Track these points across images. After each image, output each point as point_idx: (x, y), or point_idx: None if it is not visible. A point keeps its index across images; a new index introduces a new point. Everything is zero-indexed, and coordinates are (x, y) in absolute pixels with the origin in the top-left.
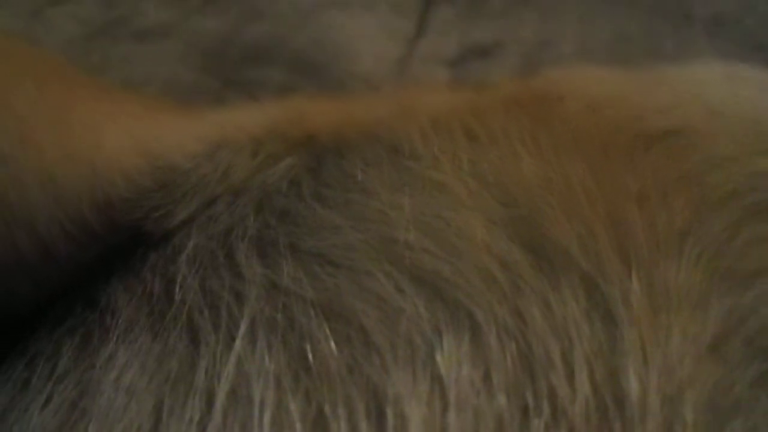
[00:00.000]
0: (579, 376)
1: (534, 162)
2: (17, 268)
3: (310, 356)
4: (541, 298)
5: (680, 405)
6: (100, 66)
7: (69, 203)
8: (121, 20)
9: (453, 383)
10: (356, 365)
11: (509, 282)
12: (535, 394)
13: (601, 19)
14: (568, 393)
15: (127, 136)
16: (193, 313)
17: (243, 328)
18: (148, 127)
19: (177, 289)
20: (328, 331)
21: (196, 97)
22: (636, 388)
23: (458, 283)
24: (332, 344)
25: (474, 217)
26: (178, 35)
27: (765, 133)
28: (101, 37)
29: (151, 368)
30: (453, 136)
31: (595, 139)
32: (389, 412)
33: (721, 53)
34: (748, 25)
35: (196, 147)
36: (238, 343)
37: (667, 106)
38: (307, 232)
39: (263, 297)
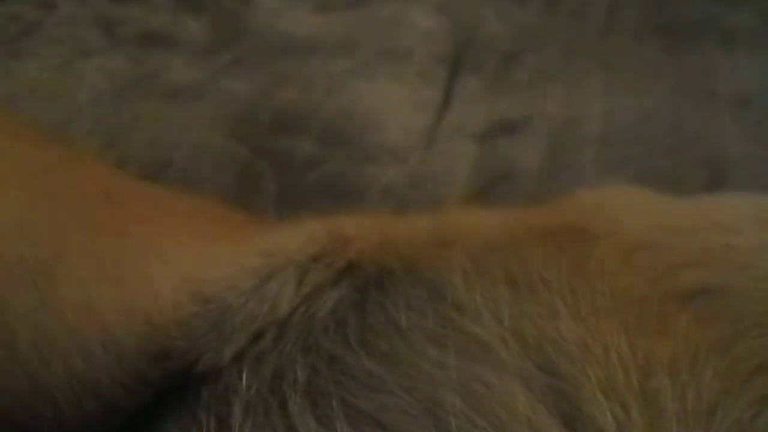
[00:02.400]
0: None
1: (572, 322)
2: (80, 423)
3: None
4: None
5: None
6: (130, 124)
7: (130, 362)
8: (151, 76)
9: None
10: None
11: None
12: None
13: (624, 95)
14: None
15: (180, 279)
16: None
17: None
18: (199, 265)
19: None
20: None
21: (224, 165)
22: None
23: None
24: None
25: (515, 385)
26: (208, 97)
27: None
28: (131, 93)
29: None
30: (494, 282)
31: (629, 294)
32: None
33: (744, 134)
34: None
35: (246, 282)
36: None
37: (700, 260)
38: (355, 385)
39: None
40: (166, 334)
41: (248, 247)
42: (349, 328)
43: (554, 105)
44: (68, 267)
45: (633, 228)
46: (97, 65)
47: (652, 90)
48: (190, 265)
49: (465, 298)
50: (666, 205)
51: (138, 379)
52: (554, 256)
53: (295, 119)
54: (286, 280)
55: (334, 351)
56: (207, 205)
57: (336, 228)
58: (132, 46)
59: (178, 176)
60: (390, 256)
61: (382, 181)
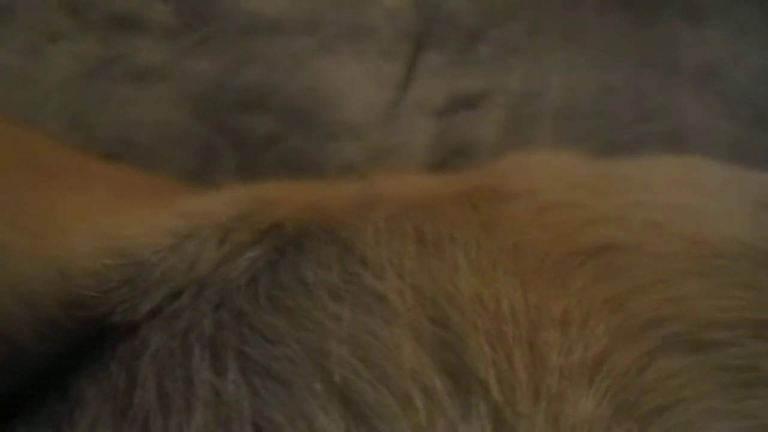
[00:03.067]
0: None
1: (471, 276)
2: None
3: None
4: (451, 428)
5: None
6: (98, 107)
7: (40, 308)
8: (119, 59)
9: None
10: None
11: (426, 410)
12: None
13: (587, 69)
14: None
15: (96, 234)
16: (148, 416)
17: None
18: (117, 223)
19: (137, 388)
20: None
21: (185, 144)
22: None
23: (379, 408)
24: None
25: (406, 337)
26: (173, 77)
27: (700, 253)
28: (99, 76)
29: None
30: (404, 239)
31: (534, 250)
32: None
33: (707, 106)
34: (737, 78)
35: (163, 240)
36: None
37: (609, 217)
38: (254, 338)
39: (209, 407)
40: (79, 284)
41: (169, 208)
42: (260, 285)
43: (515, 79)
44: None
45: (548, 188)
46: (66, 49)
47: (614, 64)
48: (109, 222)
49: (371, 254)
50: (588, 167)
51: (49, 324)
52: (466, 215)
53: (257, 98)
54: (206, 239)
55: (243, 307)
56: (145, 177)
57: (261, 191)
58: (101, 30)
59: (141, 156)
60: (312, 218)
61: (341, 156)
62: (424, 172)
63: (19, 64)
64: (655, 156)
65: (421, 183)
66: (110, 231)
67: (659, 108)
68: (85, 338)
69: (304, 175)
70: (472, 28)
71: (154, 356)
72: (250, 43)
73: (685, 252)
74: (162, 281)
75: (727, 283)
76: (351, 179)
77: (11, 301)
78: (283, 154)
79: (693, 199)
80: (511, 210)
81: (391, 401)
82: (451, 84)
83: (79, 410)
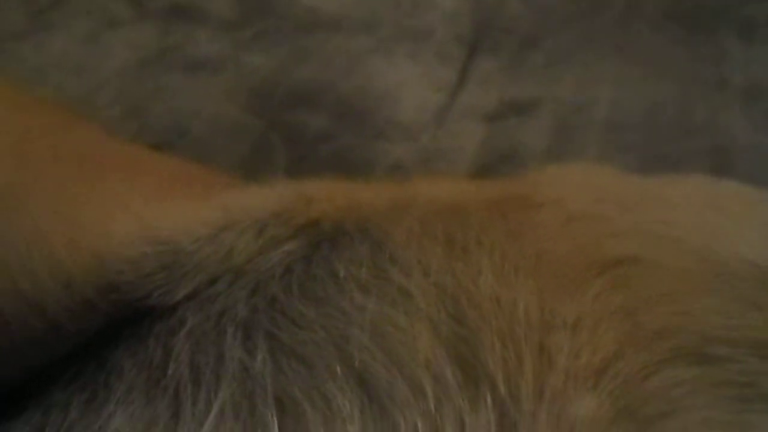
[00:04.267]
0: None
1: (492, 279)
2: (30, 342)
3: None
4: (458, 417)
5: None
6: (152, 95)
7: (77, 290)
8: (176, 48)
9: None
10: None
11: (436, 398)
12: None
13: (637, 82)
14: None
15: (135, 223)
16: (179, 386)
17: (215, 409)
18: (157, 213)
19: (171, 361)
20: (277, 424)
21: (238, 136)
22: None
23: (392, 392)
24: None
25: (424, 329)
26: (228, 70)
27: (712, 271)
28: (155, 65)
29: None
30: (433, 242)
31: (555, 258)
32: None
33: (753, 123)
34: None
35: (201, 230)
36: (206, 425)
37: (630, 231)
38: (285, 322)
39: (237, 380)
40: (115, 269)
41: (210, 201)
42: (294, 275)
43: (565, 89)
44: (25, 203)
45: (577, 199)
46: (124, 37)
47: (663, 78)
48: (149, 212)
49: (401, 253)
50: (619, 182)
51: (85, 305)
52: (495, 222)
53: (311, 94)
54: (244, 231)
55: (276, 294)
56: (193, 168)
57: (302, 189)
58: (159, 19)
59: (193, 146)
60: (348, 218)
61: (391, 157)
62: (466, 179)
63: (77, 51)
64: (693, 175)
65: (456, 188)
66: (150, 220)
67: (705, 124)
68: (121, 319)
69: (353, 173)
70: (526, 36)
71: (189, 333)
72: (307, 39)
73: (699, 269)
74: (198, 268)
75: (735, 302)
76: (390, 181)
77: (48, 281)
78: (334, 151)
79: (715, 220)
80: (538, 219)
81: (403, 387)
82: (502, 90)
83: (116, 378)
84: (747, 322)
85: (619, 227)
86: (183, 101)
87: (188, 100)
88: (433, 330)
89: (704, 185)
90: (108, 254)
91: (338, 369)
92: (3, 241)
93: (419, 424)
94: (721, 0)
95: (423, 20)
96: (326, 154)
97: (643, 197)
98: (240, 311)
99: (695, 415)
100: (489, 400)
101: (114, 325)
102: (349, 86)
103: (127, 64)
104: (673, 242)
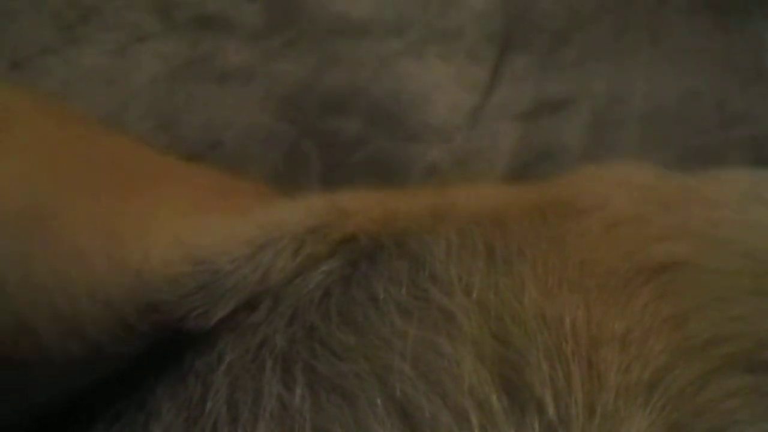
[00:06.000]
0: None
1: (536, 292)
2: (70, 366)
3: None
4: None
5: None
6: (183, 107)
7: (116, 310)
8: (205, 59)
9: None
10: None
11: (480, 427)
12: None
13: (672, 73)
14: None
15: (173, 241)
16: (216, 425)
17: None
18: (195, 231)
19: (209, 399)
20: None
21: (272, 145)
22: None
23: (435, 424)
24: None
25: (467, 353)
26: (259, 79)
27: (764, 272)
28: (185, 76)
29: None
30: (473, 255)
31: (600, 267)
32: None
33: None
34: None
35: (239, 249)
36: None
37: (676, 234)
38: (324, 353)
39: (275, 418)
40: (154, 288)
41: (246, 218)
42: (332, 299)
43: (600, 83)
44: (62, 221)
45: (620, 202)
46: (153, 49)
47: (699, 67)
48: (186, 230)
49: (441, 269)
50: (661, 181)
51: (124, 326)
52: (537, 230)
53: (343, 100)
54: (281, 249)
55: (315, 322)
56: (228, 180)
57: (337, 202)
58: (187, 30)
59: (227, 156)
60: (385, 230)
61: (426, 159)
62: (500, 183)
63: (106, 65)
64: (731, 168)
65: (494, 194)
66: (188, 238)
67: (742, 114)
68: (160, 343)
69: (388, 177)
70: (558, 31)
71: (228, 369)
72: (337, 44)
73: (749, 270)
74: (235, 289)
75: None
76: (426, 189)
77: (88, 302)
78: (369, 156)
79: (761, 216)
80: (581, 226)
81: (447, 417)
82: (536, 87)
83: (155, 421)
84: None
85: (663, 230)
86: (214, 112)
87: (219, 110)
88: (476, 353)
89: (745, 178)
90: (147, 273)
91: (379, 402)
92: (40, 259)
93: None
94: None
95: (453, 20)
96: (361, 160)
97: (685, 195)
98: (278, 342)
99: (750, 430)
100: (537, 424)
101: (155, 358)
102: (380, 90)
103: (157, 77)
104: (720, 243)
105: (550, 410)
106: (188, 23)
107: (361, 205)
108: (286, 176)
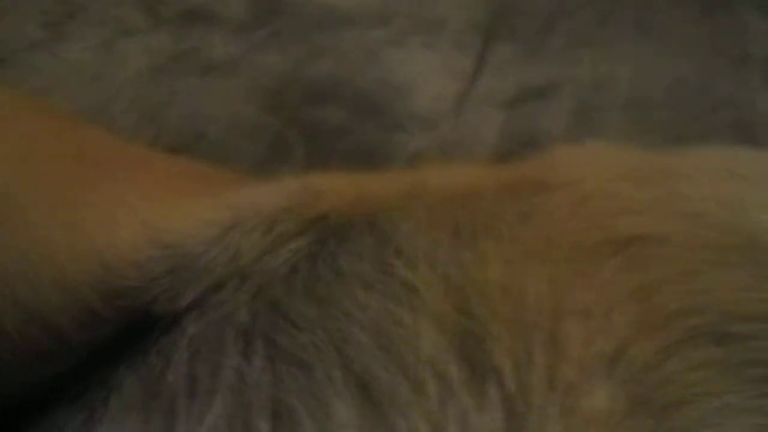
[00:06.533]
0: None
1: (500, 266)
2: (35, 355)
3: None
4: (462, 416)
5: None
6: (168, 100)
7: (80, 298)
8: (190, 53)
9: None
10: None
11: (439, 397)
12: None
13: (658, 60)
14: None
15: (140, 226)
16: (175, 397)
17: (207, 422)
18: (162, 214)
19: (169, 372)
20: None
21: (256, 136)
22: None
23: (393, 395)
24: None
25: (429, 324)
26: (244, 71)
27: (732, 244)
28: (170, 70)
29: None
30: (441, 230)
31: (567, 240)
32: None
33: None
34: None
35: (208, 231)
36: None
37: (645, 207)
38: (286, 325)
39: (232, 391)
40: (121, 275)
41: (217, 200)
42: (298, 275)
43: (584, 70)
44: (26, 210)
45: (590, 179)
46: (139, 44)
47: (684, 54)
48: (154, 214)
49: (407, 245)
50: (634, 158)
51: (90, 313)
52: (506, 206)
53: (327, 90)
54: (252, 229)
55: (279, 297)
56: (206, 168)
57: (310, 183)
58: (173, 25)
59: (211, 148)
60: (357, 210)
61: (411, 148)
62: (481, 164)
63: (92, 60)
64: (709, 146)
65: (467, 174)
66: (155, 223)
67: (728, 99)
68: (128, 327)
69: (373, 166)
70: (543, 19)
71: (189, 343)
72: (321, 35)
73: (717, 243)
74: (204, 271)
75: (756, 275)
76: (401, 170)
77: (53, 293)
78: (354, 145)
79: (733, 190)
80: (551, 201)
81: (405, 388)
82: (520, 75)
83: (115, 395)
84: None
85: (635, 204)
86: (199, 104)
87: (204, 103)
88: (437, 325)
89: (722, 153)
90: (113, 259)
91: (338, 373)
92: (2, 248)
93: (420, 426)
94: None
95: (437, 9)
96: (345, 149)
97: (657, 171)
98: (242, 316)
99: (715, 402)
100: (496, 395)
101: (121, 339)
102: (365, 80)
103: (143, 71)
104: (692, 216)
105: (510, 381)
106: (174, 18)
107: (334, 186)
108: (271, 167)
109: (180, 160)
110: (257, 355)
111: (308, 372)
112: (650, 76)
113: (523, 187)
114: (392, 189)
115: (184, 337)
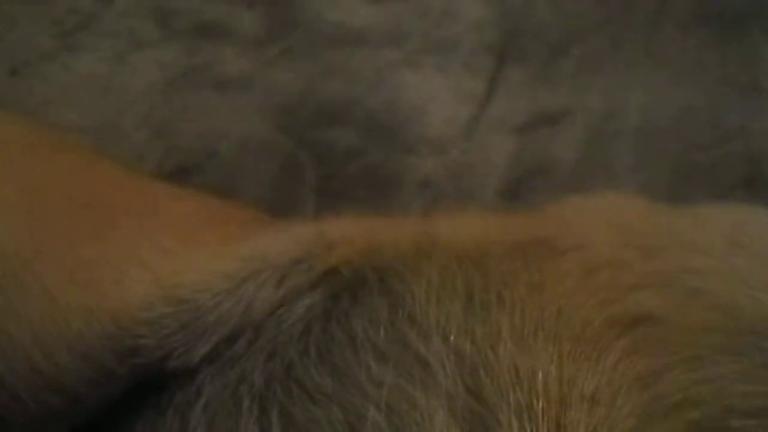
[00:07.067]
0: None
1: (511, 343)
2: (48, 416)
3: None
4: None
5: None
6: (180, 115)
7: (94, 358)
8: (203, 67)
9: None
10: None
11: None
12: None
13: (668, 89)
14: None
15: (152, 282)
16: None
17: None
18: (175, 269)
19: None
20: None
21: (268, 155)
22: None
23: None
24: None
25: (439, 407)
26: (256, 87)
27: (736, 329)
28: (182, 84)
29: None
30: (452, 297)
31: (576, 316)
32: None
33: None
34: None
35: (220, 284)
36: None
37: (653, 283)
38: (301, 395)
39: None
40: (134, 333)
41: (229, 251)
42: (312, 336)
43: (596, 97)
44: (36, 272)
45: (601, 244)
46: (151, 57)
47: (695, 82)
48: (166, 268)
49: (419, 312)
50: (647, 220)
51: (104, 374)
52: (517, 272)
53: (339, 110)
54: (264, 282)
55: (293, 358)
56: (213, 205)
57: (322, 232)
58: (186, 38)
59: (222, 167)
60: (369, 264)
61: (421, 172)
62: (488, 210)
63: (104, 72)
64: (723, 205)
65: (477, 228)
66: (167, 278)
67: (738, 129)
68: (142, 383)
69: (383, 189)
70: (555, 43)
71: (206, 405)
72: (334, 54)
73: (722, 327)
74: (217, 325)
75: (759, 366)
76: (412, 219)
77: (66, 355)
78: (364, 167)
79: (741, 264)
80: (560, 269)
81: None
82: (532, 100)
83: None
84: None
85: (641, 277)
86: (211, 121)
87: (216, 119)
88: (449, 407)
89: (736, 219)
90: (126, 318)
91: None
92: (15, 312)
93: None
94: (753, 1)
95: (450, 31)
96: (355, 171)
97: (668, 239)
98: (256, 379)
99: None
100: None
101: (136, 394)
102: (377, 101)
103: (154, 85)
104: (698, 295)
105: None
106: (187, 31)
107: (346, 236)
108: (282, 187)
109: (190, 194)
110: (273, 426)
111: None
112: (660, 105)
113: (534, 249)
114: (404, 240)
115: (200, 397)
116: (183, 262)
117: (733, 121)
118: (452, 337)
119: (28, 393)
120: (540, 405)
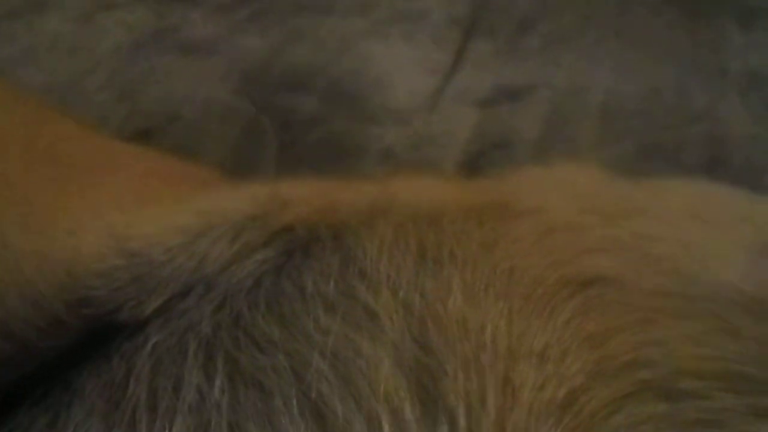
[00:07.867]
0: None
1: (461, 298)
2: None
3: None
4: None
5: None
6: (145, 78)
7: (47, 308)
8: (170, 30)
9: None
10: None
11: None
12: None
13: (635, 69)
14: None
15: (106, 234)
16: (136, 410)
17: None
18: (129, 222)
19: (132, 380)
20: None
21: (230, 120)
22: None
23: (348, 427)
24: None
25: (387, 356)
26: (222, 52)
27: (690, 294)
28: (149, 47)
29: None
30: (405, 253)
31: (529, 275)
32: None
33: (751, 112)
34: None
35: (174, 239)
36: None
37: (609, 246)
38: (247, 344)
39: (193, 409)
40: (86, 284)
41: (185, 207)
42: (262, 290)
43: (561, 74)
44: None
45: (558, 208)
46: (118, 18)
47: (662, 63)
48: (121, 221)
49: (370, 267)
50: (607, 189)
51: (55, 322)
52: (471, 231)
53: (303, 77)
54: (219, 237)
55: (242, 310)
56: (172, 164)
57: (279, 191)
58: (155, 1)
59: (184, 130)
60: (324, 222)
61: (383, 142)
62: (449, 174)
63: (71, 31)
64: (680, 176)
65: (436, 190)
66: (121, 230)
67: (703, 111)
68: (91, 334)
69: (344, 158)
70: (523, 18)
71: (152, 351)
72: (300, 20)
73: (677, 292)
74: (170, 279)
75: (710, 330)
76: (371, 179)
77: (16, 301)
78: (325, 135)
79: (698, 234)
80: (516, 230)
81: (360, 422)
82: (497, 74)
83: (78, 401)
84: (720, 353)
85: (597, 241)
86: (175, 84)
87: (181, 83)
88: (395, 357)
89: (695, 193)
90: (79, 268)
91: (294, 401)
92: None
93: None
94: None
95: (418, 2)
96: (317, 139)
97: (629, 208)
98: (204, 328)
99: None
100: None
101: (86, 343)
102: (341, 69)
103: (121, 46)
104: (654, 260)
105: (462, 423)
106: None
107: (303, 195)
108: (243, 153)
109: (151, 154)
110: (218, 373)
111: (266, 397)
112: (627, 84)
113: (490, 211)
114: (361, 200)
115: (147, 343)
116: (138, 216)
117: (698, 103)
118: (401, 290)
119: None
120: (487, 358)
